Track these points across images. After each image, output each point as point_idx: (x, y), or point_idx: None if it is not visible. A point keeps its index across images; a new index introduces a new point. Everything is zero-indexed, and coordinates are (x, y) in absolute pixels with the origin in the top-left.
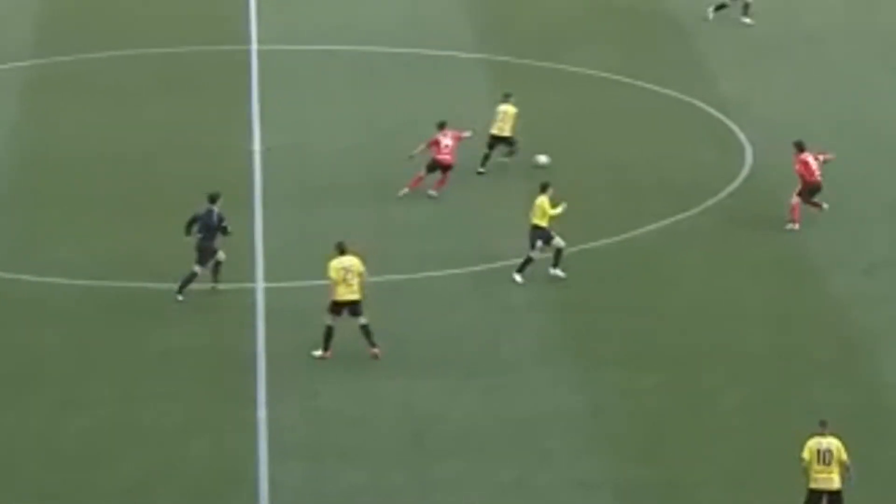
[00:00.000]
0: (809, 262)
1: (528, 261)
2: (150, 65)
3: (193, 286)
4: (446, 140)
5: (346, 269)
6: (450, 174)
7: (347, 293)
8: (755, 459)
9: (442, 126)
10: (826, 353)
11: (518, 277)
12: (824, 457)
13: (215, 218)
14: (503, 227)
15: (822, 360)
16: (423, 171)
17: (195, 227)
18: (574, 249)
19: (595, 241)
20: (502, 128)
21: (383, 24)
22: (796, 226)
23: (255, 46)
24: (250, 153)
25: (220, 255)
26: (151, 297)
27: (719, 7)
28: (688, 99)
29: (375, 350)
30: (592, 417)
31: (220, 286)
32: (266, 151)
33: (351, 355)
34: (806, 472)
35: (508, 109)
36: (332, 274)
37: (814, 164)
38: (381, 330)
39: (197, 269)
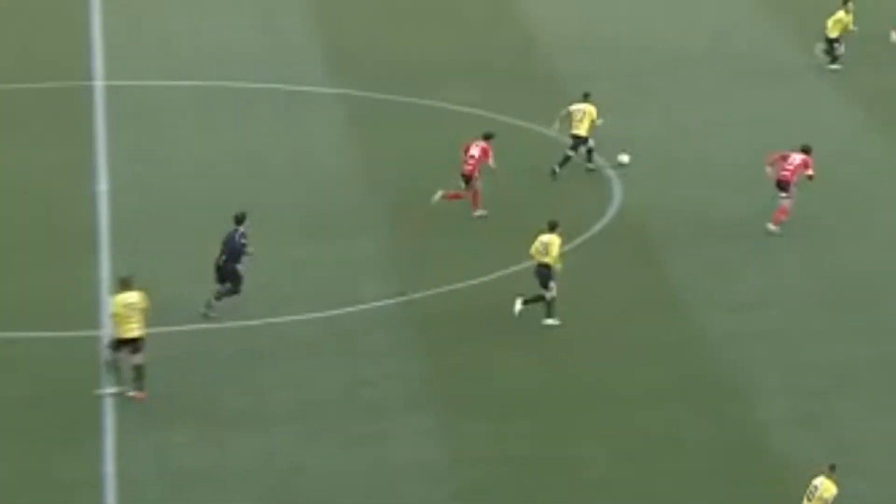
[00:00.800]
0: (680, 300)
1: (552, 302)
2: None
3: (34, 335)
4: (473, 150)
5: (130, 306)
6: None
7: (130, 330)
8: None
9: (488, 137)
10: (698, 392)
11: (551, 321)
12: (811, 493)
13: (237, 239)
14: (365, 269)
15: (693, 400)
16: (476, 187)
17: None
18: (439, 290)
19: (462, 282)
20: (581, 127)
21: (238, 58)
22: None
23: (100, 83)
24: (95, 194)
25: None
26: None
27: (827, 50)
28: (552, 134)
29: (140, 394)
30: (455, 467)
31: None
32: (113, 192)
33: (204, 405)
34: None
35: (587, 108)
36: (116, 309)
37: (790, 161)
38: (237, 377)
39: (219, 287)
